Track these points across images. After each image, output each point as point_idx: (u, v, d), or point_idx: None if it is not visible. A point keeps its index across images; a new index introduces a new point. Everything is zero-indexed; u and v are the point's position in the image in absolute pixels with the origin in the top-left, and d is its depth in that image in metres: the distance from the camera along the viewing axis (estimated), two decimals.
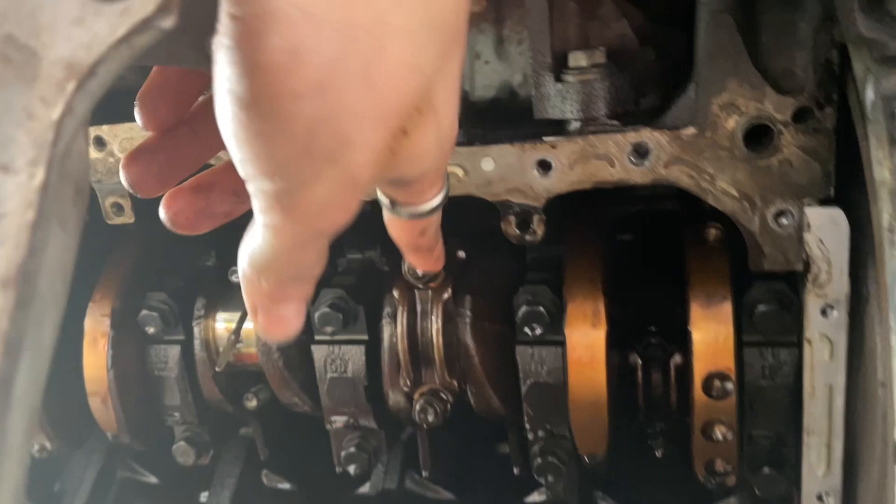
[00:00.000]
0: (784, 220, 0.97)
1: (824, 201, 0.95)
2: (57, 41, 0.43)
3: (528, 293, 1.11)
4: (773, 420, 1.06)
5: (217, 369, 1.20)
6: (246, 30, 0.46)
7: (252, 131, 0.49)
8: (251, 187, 0.53)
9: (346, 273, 1.20)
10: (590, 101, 0.97)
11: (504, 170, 1.03)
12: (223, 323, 1.28)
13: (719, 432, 1.03)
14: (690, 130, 0.96)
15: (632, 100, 0.99)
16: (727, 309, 1.03)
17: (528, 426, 1.15)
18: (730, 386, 1.02)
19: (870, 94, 0.80)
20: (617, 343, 1.13)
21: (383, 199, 0.67)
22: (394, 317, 1.15)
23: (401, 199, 0.66)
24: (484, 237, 1.15)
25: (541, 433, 1.15)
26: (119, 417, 1.27)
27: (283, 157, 0.50)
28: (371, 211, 0.74)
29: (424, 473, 1.28)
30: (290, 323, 0.61)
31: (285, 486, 1.40)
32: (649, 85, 1.02)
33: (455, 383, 1.15)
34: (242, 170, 0.52)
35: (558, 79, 0.99)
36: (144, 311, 1.26)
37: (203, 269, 1.32)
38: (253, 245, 0.56)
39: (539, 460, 1.16)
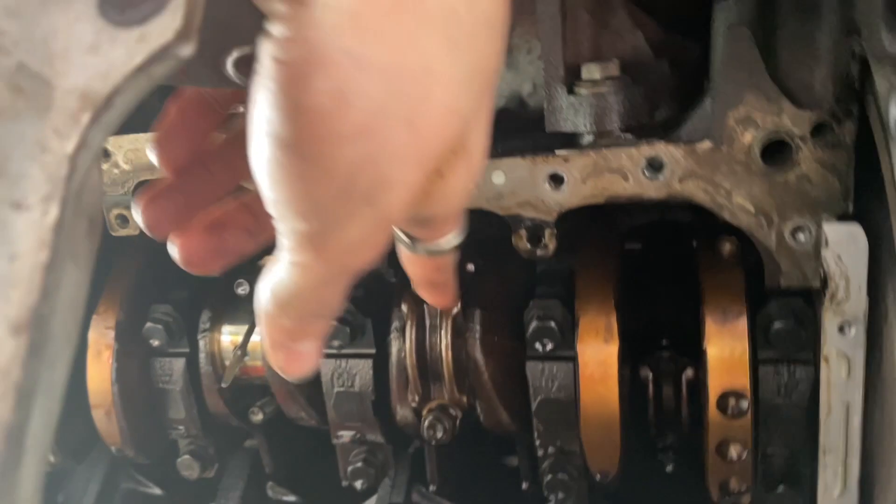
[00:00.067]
0: (801, 237, 0.95)
1: (842, 217, 0.94)
2: (71, 70, 0.42)
3: (538, 308, 1.09)
4: (789, 438, 1.04)
5: (223, 385, 1.18)
6: (291, 73, 0.46)
7: (291, 173, 0.49)
8: (282, 227, 0.52)
9: (353, 286, 1.19)
10: (603, 114, 0.95)
11: (515, 183, 1.01)
12: (229, 336, 1.26)
13: (734, 451, 1.02)
14: (706, 144, 0.94)
15: (646, 112, 0.97)
16: (742, 325, 1.02)
17: (538, 442, 1.13)
18: (745, 404, 1.00)
19: (893, 111, 0.79)
20: (628, 357, 1.11)
21: (401, 236, 0.66)
22: (402, 331, 1.13)
23: (420, 235, 0.65)
24: (494, 249, 1.14)
25: (551, 449, 1.13)
26: (123, 431, 1.26)
27: (320, 198, 0.49)
28: None
29: (432, 487, 1.26)
30: (309, 360, 0.61)
31: (290, 498, 1.39)
32: (663, 97, 1.00)
33: (464, 399, 1.14)
34: (275, 210, 0.51)
35: (571, 91, 0.97)
36: (149, 324, 1.24)
37: (208, 280, 1.30)
38: (277, 281, 0.56)
39: (549, 477, 1.14)
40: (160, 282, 1.28)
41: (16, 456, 0.35)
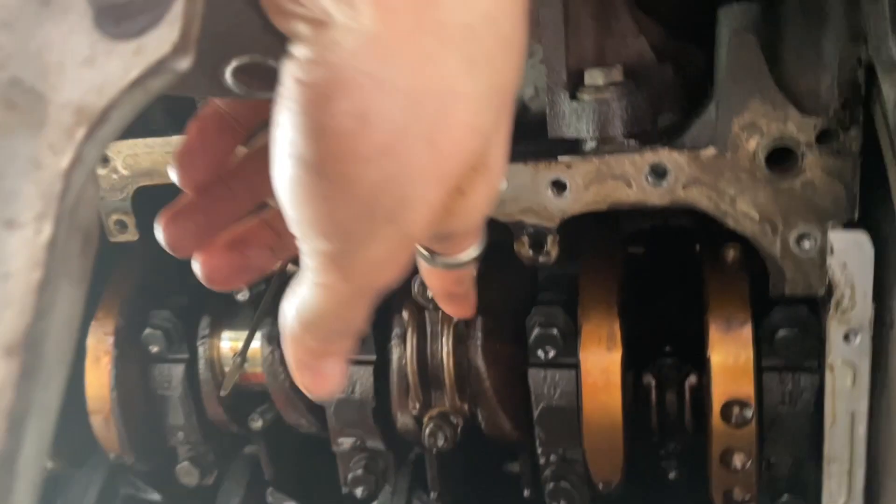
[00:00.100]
0: (806, 244, 0.94)
1: (848, 225, 0.93)
2: (66, 83, 0.41)
3: (540, 315, 1.08)
4: (793, 446, 1.04)
5: (222, 393, 1.17)
6: (314, 95, 0.46)
7: (314, 194, 0.49)
8: (305, 247, 0.53)
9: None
10: (606, 120, 0.94)
11: (517, 189, 1.00)
12: (228, 342, 1.25)
13: (738, 460, 1.01)
14: (710, 151, 0.93)
15: (649, 119, 0.96)
16: (747, 333, 1.01)
17: (539, 450, 1.12)
18: (749, 413, 0.99)
19: None
20: (631, 363, 1.10)
21: (420, 250, 0.67)
22: (403, 338, 1.12)
23: (439, 250, 0.66)
24: (495, 255, 1.12)
25: (553, 457, 1.12)
26: (122, 437, 1.25)
27: (343, 218, 0.50)
28: None
29: (433, 494, 1.25)
30: (334, 379, 0.61)
31: None
32: (667, 102, 0.99)
33: (465, 406, 1.13)
34: (298, 230, 0.52)
35: (573, 96, 0.96)
36: (148, 330, 1.23)
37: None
38: (300, 301, 0.56)
39: (551, 485, 1.13)
40: (159, 287, 1.27)
41: (7, 483, 0.34)
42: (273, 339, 1.17)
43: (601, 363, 1.05)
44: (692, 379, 1.12)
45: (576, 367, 1.06)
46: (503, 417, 1.13)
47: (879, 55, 0.79)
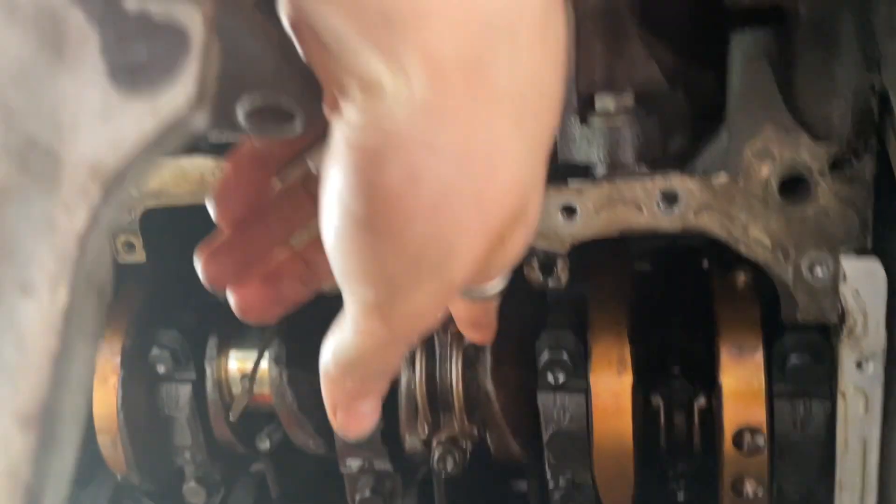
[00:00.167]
0: (818, 271, 0.93)
1: (861, 252, 0.92)
2: (80, 140, 0.40)
3: (550, 338, 1.08)
4: (805, 473, 1.03)
5: (231, 418, 1.17)
6: (365, 157, 0.48)
7: (363, 247, 0.51)
8: (349, 295, 0.54)
9: None
10: (617, 146, 0.94)
11: None
12: (236, 362, 1.24)
13: (750, 488, 1.00)
14: (722, 177, 0.93)
15: (660, 144, 0.96)
16: (758, 359, 1.00)
17: (549, 473, 1.12)
18: (761, 440, 0.99)
19: None
20: (640, 385, 1.10)
21: None
22: (412, 360, 1.12)
23: (468, 285, 0.66)
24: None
25: (562, 481, 1.12)
26: (128, 457, 1.24)
27: (389, 270, 0.51)
28: None
29: None
30: (369, 418, 0.64)
31: None
32: (678, 127, 0.99)
33: (475, 430, 1.12)
34: (344, 278, 0.53)
35: (584, 121, 0.96)
36: (155, 350, 1.23)
37: (215, 304, 1.29)
38: (340, 344, 0.58)
39: None
40: (166, 307, 1.27)
41: None
42: (281, 360, 1.17)
43: (612, 388, 1.04)
44: (701, 401, 1.12)
45: (586, 391, 1.06)
46: (512, 440, 1.12)
47: (892, 82, 0.79)
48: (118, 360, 1.22)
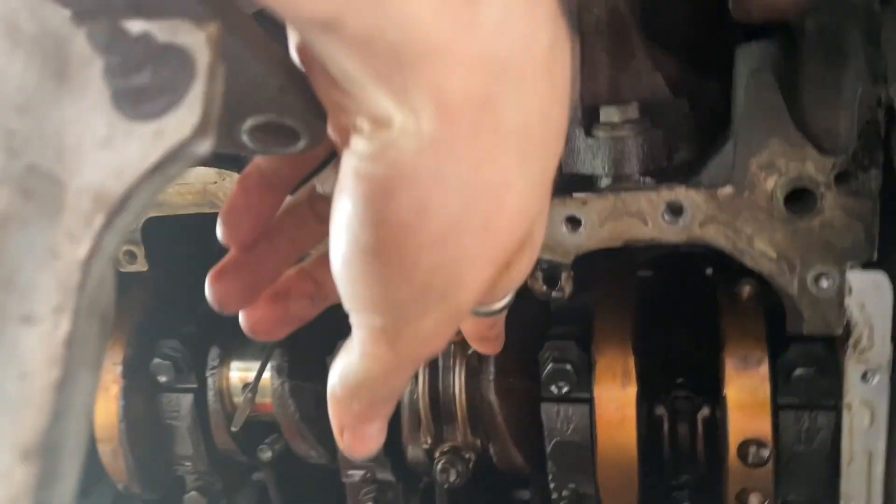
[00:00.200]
0: (824, 284, 0.93)
1: (867, 265, 0.91)
2: (83, 166, 0.39)
3: (554, 349, 1.07)
4: (810, 485, 1.02)
5: (233, 429, 1.16)
6: (373, 188, 0.48)
7: (371, 275, 0.51)
8: (356, 320, 0.54)
9: None
10: (622, 157, 0.93)
11: None
12: (238, 372, 1.24)
13: (754, 501, 1.00)
14: (728, 190, 0.92)
15: (665, 156, 0.95)
16: (764, 371, 1.00)
17: (552, 484, 1.11)
18: (766, 453, 0.98)
19: None
20: (644, 396, 1.09)
21: None
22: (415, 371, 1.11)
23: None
24: None
25: (565, 492, 1.11)
26: (130, 467, 1.24)
27: (397, 298, 0.52)
28: None
29: None
30: (376, 439, 0.63)
31: None
32: (683, 138, 0.98)
33: (478, 441, 1.12)
34: (351, 304, 0.54)
35: (588, 133, 0.95)
36: (157, 360, 1.23)
37: (216, 314, 1.28)
38: (348, 367, 0.58)
39: None
40: (168, 317, 1.26)
41: None
42: (283, 370, 1.17)
43: (616, 400, 1.04)
44: (705, 411, 1.11)
45: (589, 402, 1.05)
46: (515, 451, 1.12)
47: None
48: (119, 369, 1.22)
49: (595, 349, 1.06)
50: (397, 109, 0.45)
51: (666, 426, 1.14)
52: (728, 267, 1.06)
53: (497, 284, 0.56)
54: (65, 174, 0.39)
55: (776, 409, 1.00)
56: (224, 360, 1.23)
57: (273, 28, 0.51)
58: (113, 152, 0.40)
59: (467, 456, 1.10)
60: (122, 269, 1.16)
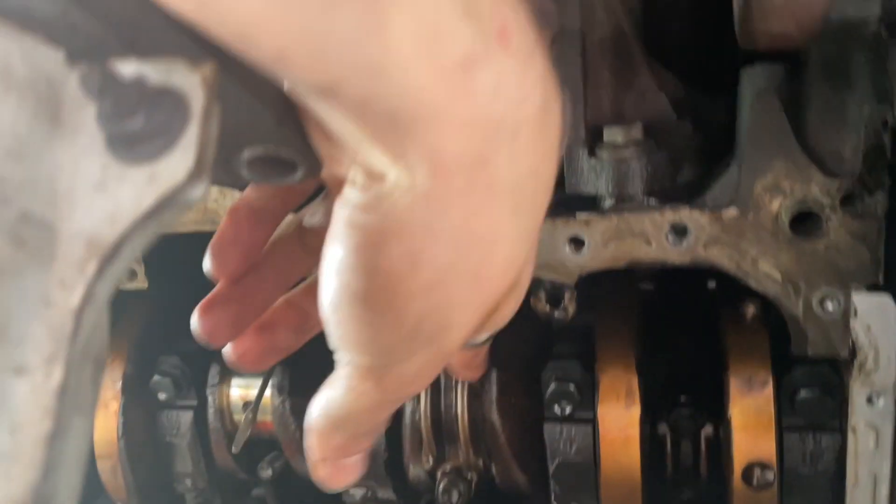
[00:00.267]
0: (829, 306, 0.92)
1: (872, 287, 0.91)
2: (76, 211, 0.39)
3: (557, 369, 1.06)
4: None
5: (234, 450, 1.15)
6: (365, 237, 0.49)
7: (360, 320, 0.52)
8: (343, 357, 0.55)
9: None
10: (625, 179, 0.93)
11: None
12: (238, 389, 1.23)
13: None
14: (732, 211, 0.91)
15: (669, 176, 0.94)
16: (768, 393, 0.99)
17: None
18: (771, 476, 0.97)
19: None
20: (647, 414, 1.08)
21: None
22: None
23: None
24: None
25: None
26: (129, 484, 1.23)
27: (385, 341, 0.52)
28: None
29: None
30: (354, 471, 0.65)
31: None
32: (687, 159, 0.97)
33: (480, 461, 1.11)
34: (338, 343, 0.54)
35: (592, 153, 0.94)
36: (157, 377, 1.22)
37: None
38: (332, 402, 0.59)
39: None
40: (168, 334, 1.25)
41: None
42: (283, 389, 1.16)
43: (620, 420, 1.03)
44: (708, 429, 1.11)
45: (593, 422, 1.04)
46: (518, 472, 1.11)
47: None
48: (119, 386, 1.22)
49: (598, 369, 1.05)
50: (392, 165, 0.46)
51: (669, 444, 1.13)
52: (731, 280, 1.06)
53: (485, 325, 0.57)
54: (57, 220, 0.39)
55: (781, 431, 1.00)
56: (224, 378, 1.23)
57: None
58: (106, 197, 0.39)
59: (469, 476, 1.09)
60: (122, 287, 1.16)
